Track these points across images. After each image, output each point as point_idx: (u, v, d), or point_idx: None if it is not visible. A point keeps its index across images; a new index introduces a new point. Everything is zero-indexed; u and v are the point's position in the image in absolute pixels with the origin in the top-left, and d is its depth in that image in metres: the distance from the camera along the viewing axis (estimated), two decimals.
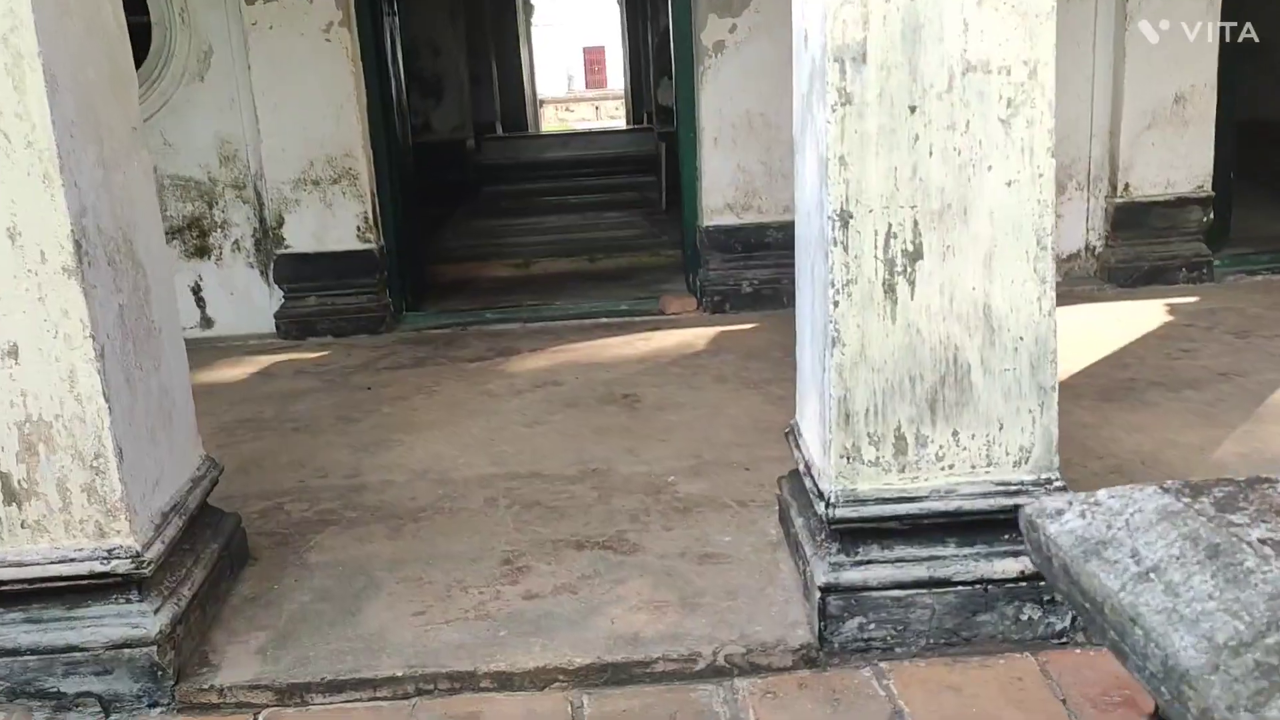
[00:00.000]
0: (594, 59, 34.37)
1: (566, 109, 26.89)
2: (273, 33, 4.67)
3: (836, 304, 2.12)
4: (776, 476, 2.76)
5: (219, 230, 4.97)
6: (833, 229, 2.09)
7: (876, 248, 2.10)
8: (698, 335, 4.74)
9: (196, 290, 5.01)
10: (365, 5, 4.82)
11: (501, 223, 7.51)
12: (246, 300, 5.06)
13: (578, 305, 5.30)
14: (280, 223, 4.89)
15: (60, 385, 2.05)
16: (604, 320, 5.07)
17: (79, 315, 2.02)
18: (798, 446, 2.52)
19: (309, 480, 3.24)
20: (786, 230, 5.07)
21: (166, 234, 4.72)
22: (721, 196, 4.99)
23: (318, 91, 4.74)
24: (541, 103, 18.78)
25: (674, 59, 5.14)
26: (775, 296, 5.04)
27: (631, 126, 11.93)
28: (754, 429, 3.49)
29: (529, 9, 16.10)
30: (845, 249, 2.10)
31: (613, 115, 25.43)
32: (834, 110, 2.04)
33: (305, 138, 4.79)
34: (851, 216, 2.08)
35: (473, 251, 6.86)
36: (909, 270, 2.11)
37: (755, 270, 5.08)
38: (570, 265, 6.50)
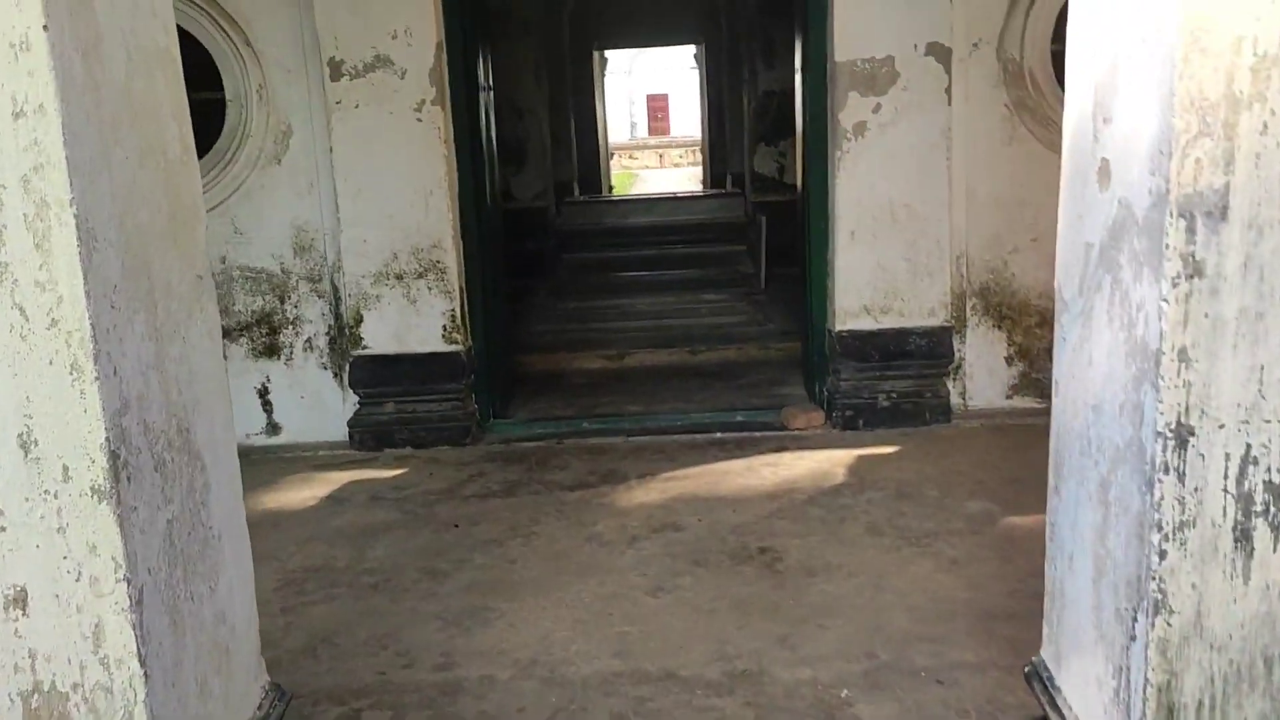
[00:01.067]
0: (657, 106, 34.34)
1: (630, 156, 26.74)
2: (358, 112, 4.23)
3: (1163, 555, 1.50)
4: (981, 696, 2.13)
5: (290, 327, 4.51)
6: (1162, 449, 1.48)
7: (1227, 479, 1.48)
8: (833, 461, 4.12)
9: (263, 393, 4.54)
10: (460, 80, 4.36)
11: (589, 304, 7.00)
12: (318, 405, 4.58)
13: (686, 414, 4.73)
14: (358, 320, 4.42)
15: (82, 645, 1.51)
16: (718, 435, 4.48)
17: (111, 551, 1.49)
18: (1055, 709, 1.88)
19: (392, 671, 2.68)
20: (930, 337, 4.42)
21: (233, 330, 4.28)
22: (857, 297, 4.40)
23: (405, 176, 4.28)
24: (611, 154, 18.51)
25: (802, 140, 4.59)
26: (916, 413, 4.42)
27: (715, 190, 11.44)
28: (934, 612, 2.85)
29: (604, 61, 15.86)
30: (1180, 479, 1.48)
31: (676, 162, 25.13)
32: (1175, 285, 1.44)
33: (390, 226, 4.33)
34: (1193, 434, 1.47)
35: (561, 338, 6.35)
36: (1273, 511, 1.48)
37: (894, 381, 4.46)
38: (669, 358, 5.94)
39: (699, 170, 15.49)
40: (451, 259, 4.39)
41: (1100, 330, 1.68)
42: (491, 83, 4.91)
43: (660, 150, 29.36)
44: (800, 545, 3.34)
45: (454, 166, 4.41)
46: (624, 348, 6.04)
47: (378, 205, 4.31)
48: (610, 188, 16.18)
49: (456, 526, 3.65)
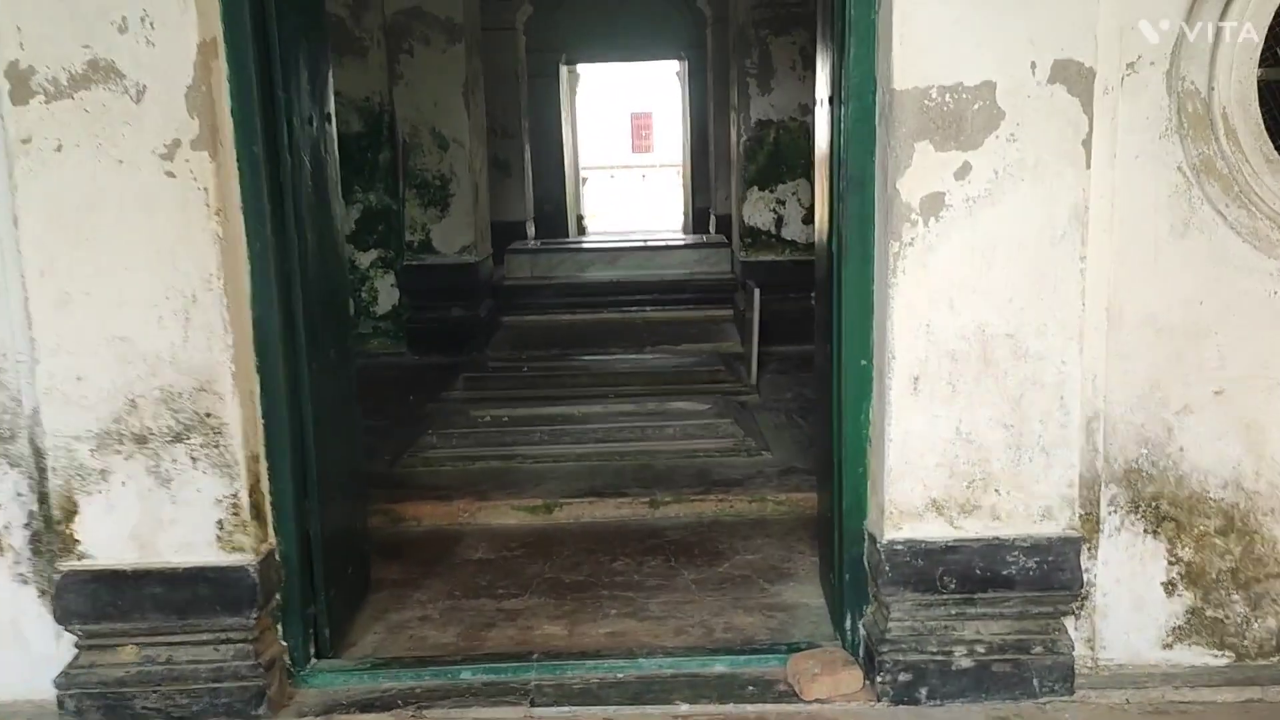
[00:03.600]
0: (641, 125, 32.87)
1: (610, 176, 25.18)
2: (61, 157, 2.49)
3: None
4: None
5: None
6: None
7: None
8: None
9: None
10: (251, 98, 2.64)
11: (518, 412, 5.25)
12: (15, 642, 2.82)
13: (633, 658, 2.98)
14: (70, 511, 2.66)
15: None
16: (683, 710, 2.74)
17: None
18: None
19: None
20: (1043, 552, 2.67)
21: None
22: (922, 486, 2.69)
23: (148, 270, 2.55)
24: (584, 179, 16.80)
25: (829, 215, 2.90)
26: (1017, 678, 2.71)
27: (696, 238, 9.77)
28: None
29: (574, 78, 14.21)
30: None
31: (658, 181, 23.38)
32: None
33: (122, 356, 2.59)
34: None
35: (468, 471, 4.60)
36: None
37: (981, 624, 2.75)
38: (617, 512, 4.21)
39: (681, 195, 13.82)
40: (232, 408, 2.64)
41: None
42: (331, 111, 3.19)
43: (643, 170, 27.87)
44: None
45: (243, 249, 2.69)
46: (554, 494, 4.29)
47: (99, 320, 2.58)
48: (580, 218, 14.51)
49: None
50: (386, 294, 7.24)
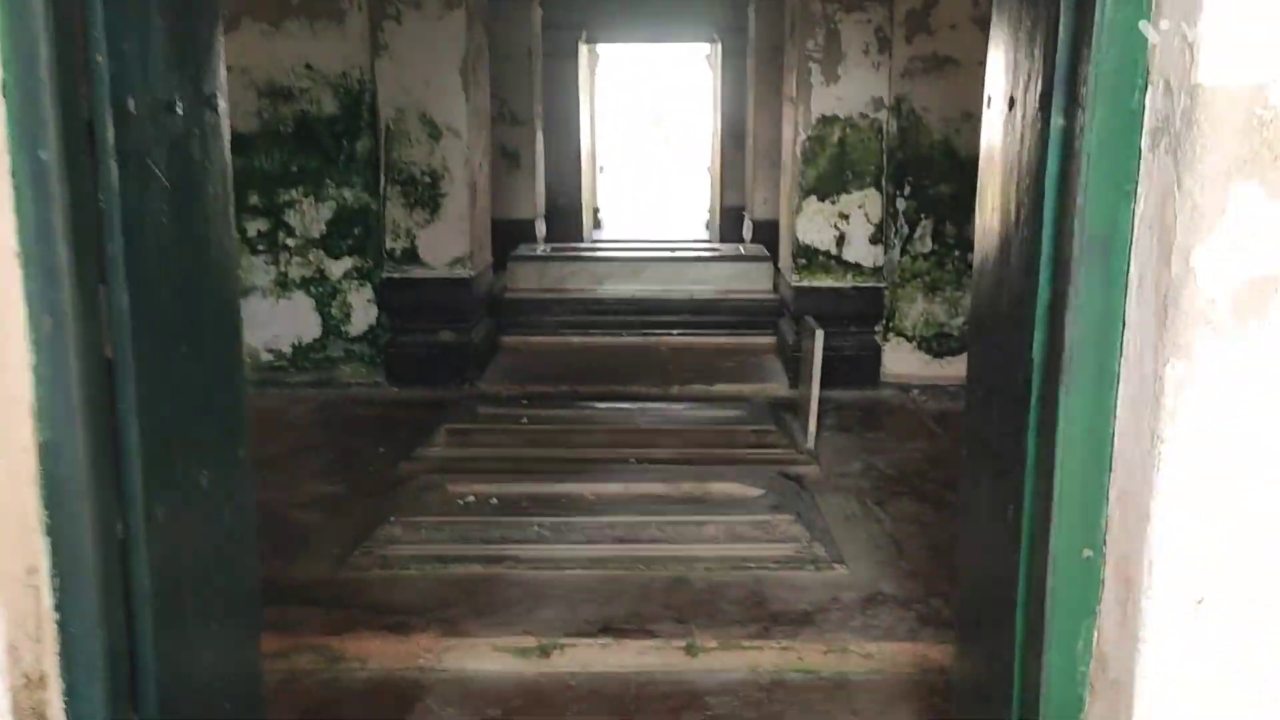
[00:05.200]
0: (666, 110, 31.85)
1: (623, 169, 24.13)
2: None
3: None
4: None
5: None
6: None
7: None
8: None
9: None
10: (37, 66, 1.52)
11: (512, 488, 4.12)
12: None
13: None
14: None
15: None
16: None
17: None
18: None
19: None
20: None
21: None
22: None
23: None
24: (601, 169, 15.66)
25: (1032, 300, 1.76)
26: None
27: (730, 249, 8.61)
28: None
29: (594, 59, 13.07)
30: None
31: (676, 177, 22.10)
32: None
33: None
34: None
35: (433, 581, 3.48)
36: None
37: None
38: (639, 661, 3.09)
39: (710, 195, 12.66)
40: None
41: None
42: (217, 93, 2.05)
43: (659, 165, 26.87)
44: None
45: (19, 329, 1.57)
46: (554, 627, 3.18)
47: None
48: (596, 212, 13.40)
49: None
50: (362, 311, 6.13)
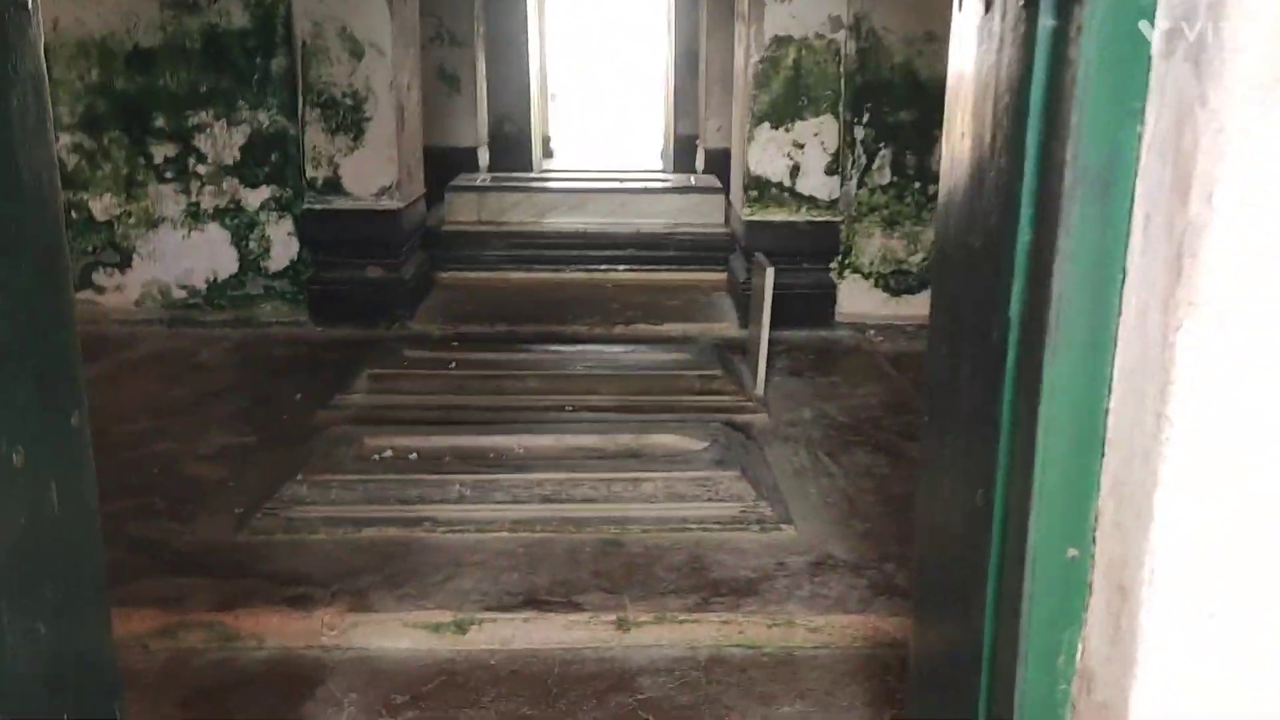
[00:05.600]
0: (617, 28, 31.09)
1: (572, 94, 23.37)
2: None
3: None
4: None
5: None
6: None
7: None
8: None
9: None
10: None
11: (434, 441, 3.81)
12: None
13: None
14: None
15: None
16: None
17: None
18: None
19: None
20: None
21: None
22: None
23: None
24: (554, 96, 15.08)
25: (1010, 243, 1.46)
26: None
27: (683, 181, 8.22)
28: None
29: None
30: None
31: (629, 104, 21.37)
32: None
33: None
34: None
35: (343, 546, 3.18)
36: None
37: None
38: (566, 637, 2.84)
39: (662, 123, 12.18)
40: None
41: None
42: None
43: (611, 91, 26.16)
44: None
45: None
46: (472, 599, 2.91)
47: None
48: (547, 140, 12.89)
49: None
50: (282, 245, 5.73)
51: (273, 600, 2.90)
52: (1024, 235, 1.42)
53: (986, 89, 1.57)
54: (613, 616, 2.84)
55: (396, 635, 2.83)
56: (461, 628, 2.83)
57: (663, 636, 2.83)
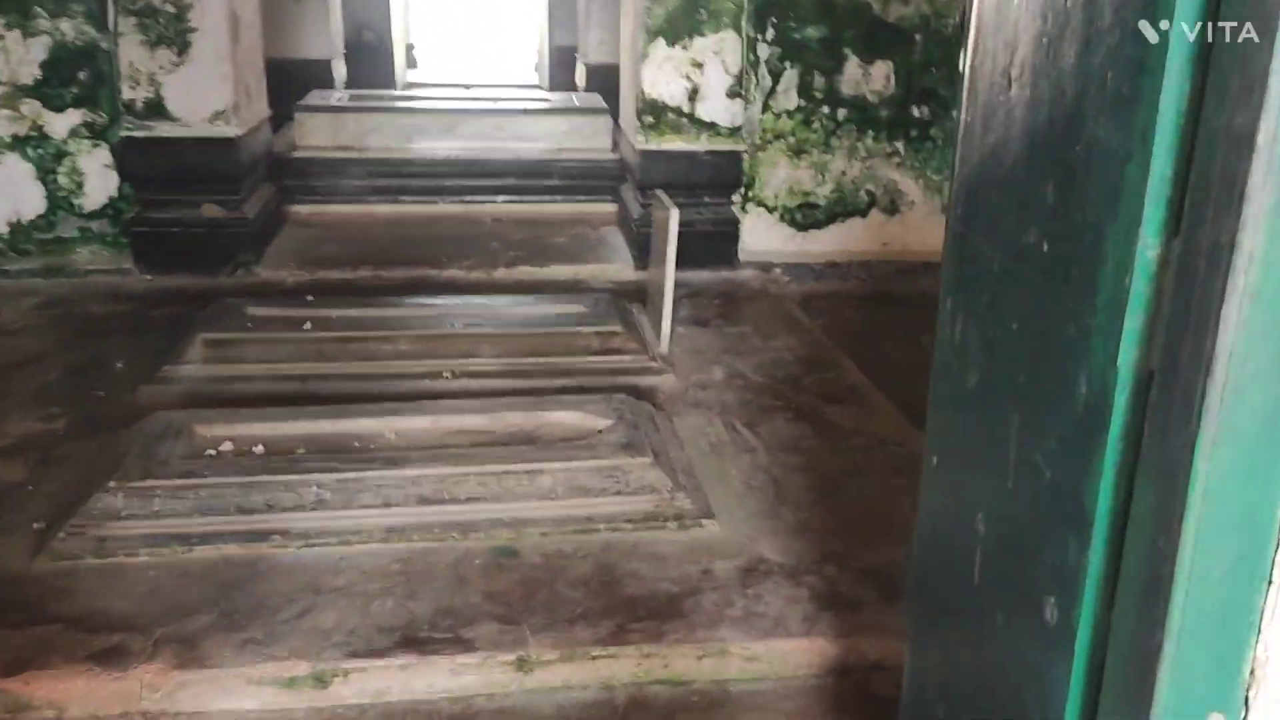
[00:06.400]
0: None
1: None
2: None
3: None
4: None
5: None
6: None
7: None
8: None
9: None
10: None
11: (284, 428, 3.20)
12: None
13: None
14: None
15: None
16: None
17: None
18: None
19: None
20: None
21: None
22: None
23: None
24: None
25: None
26: None
27: (565, 102, 7.52)
28: None
29: None
30: None
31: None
32: None
33: None
34: None
35: (169, 570, 2.60)
36: None
37: None
38: (455, 684, 2.34)
39: (537, 36, 11.35)
40: None
41: None
42: None
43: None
44: None
45: None
46: (335, 644, 2.38)
47: None
48: (410, 48, 11.88)
49: None
50: (98, 179, 4.91)
51: (76, 656, 2.30)
52: (1151, 236, 0.95)
53: None
54: (511, 655, 2.36)
55: (239, 694, 2.28)
56: (322, 680, 2.30)
57: (572, 677, 2.37)
